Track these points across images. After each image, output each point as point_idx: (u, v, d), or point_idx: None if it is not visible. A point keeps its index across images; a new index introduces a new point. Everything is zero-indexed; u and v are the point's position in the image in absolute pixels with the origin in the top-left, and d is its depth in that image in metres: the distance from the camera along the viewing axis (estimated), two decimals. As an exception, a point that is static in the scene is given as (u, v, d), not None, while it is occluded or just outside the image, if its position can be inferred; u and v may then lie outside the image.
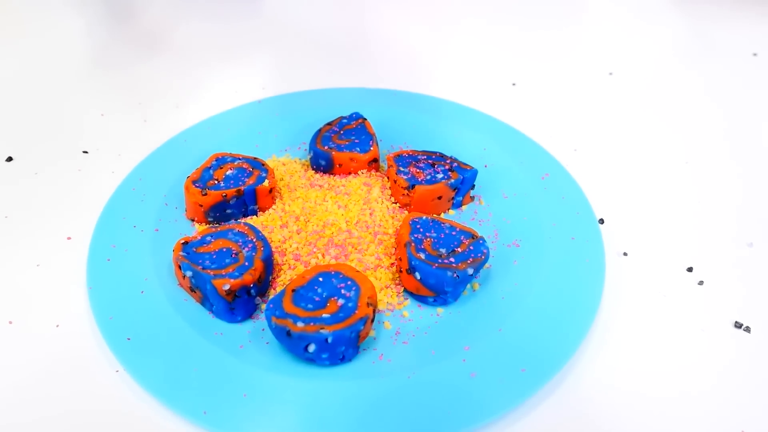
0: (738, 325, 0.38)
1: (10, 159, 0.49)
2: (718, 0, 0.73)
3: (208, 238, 0.38)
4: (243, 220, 0.42)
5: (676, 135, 0.54)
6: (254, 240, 0.38)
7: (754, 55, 0.65)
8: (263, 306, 0.37)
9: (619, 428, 0.33)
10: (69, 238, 0.42)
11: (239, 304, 0.36)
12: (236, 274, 0.35)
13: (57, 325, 0.37)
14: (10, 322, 0.37)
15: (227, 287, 0.34)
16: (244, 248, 0.37)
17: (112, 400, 0.33)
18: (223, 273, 0.35)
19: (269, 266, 0.38)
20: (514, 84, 0.60)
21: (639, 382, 0.35)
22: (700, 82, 0.62)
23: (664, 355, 0.37)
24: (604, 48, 0.66)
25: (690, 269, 0.42)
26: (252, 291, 0.36)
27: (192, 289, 0.37)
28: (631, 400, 0.34)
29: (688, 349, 0.37)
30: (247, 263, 0.36)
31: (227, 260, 0.37)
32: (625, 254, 0.43)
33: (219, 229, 0.39)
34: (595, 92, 0.60)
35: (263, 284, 0.37)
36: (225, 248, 0.38)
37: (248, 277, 0.35)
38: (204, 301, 0.36)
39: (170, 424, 0.32)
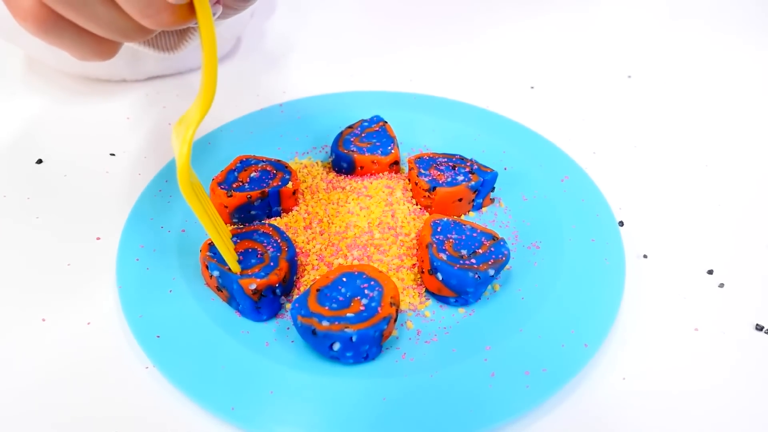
0: (759, 328, 0.38)
1: (40, 161, 0.50)
2: (737, 3, 0.73)
3: (234, 239, 0.39)
4: (267, 222, 0.43)
5: (696, 137, 0.54)
6: (279, 241, 0.39)
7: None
8: (288, 305, 0.38)
9: (639, 429, 0.33)
10: (98, 239, 0.43)
11: (265, 304, 0.36)
12: (262, 274, 0.36)
13: (88, 323, 0.38)
14: (43, 320, 0.38)
15: (253, 287, 0.35)
16: (269, 249, 0.38)
17: (142, 395, 0.34)
18: (249, 273, 0.36)
19: (293, 266, 0.39)
20: (532, 87, 0.60)
21: (659, 384, 0.35)
22: (720, 84, 0.61)
23: (685, 357, 0.37)
24: (622, 51, 0.66)
25: (710, 272, 0.42)
26: (277, 290, 0.37)
27: (219, 289, 0.38)
28: (650, 402, 0.34)
29: (708, 352, 0.37)
30: (272, 263, 0.37)
31: (253, 261, 0.37)
32: (645, 256, 0.43)
33: (244, 230, 0.40)
34: (614, 95, 0.60)
35: (288, 284, 0.38)
36: (250, 249, 0.38)
37: (274, 277, 0.36)
38: (230, 300, 0.37)
39: (199, 420, 0.33)
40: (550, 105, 0.58)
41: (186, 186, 0.31)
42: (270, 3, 0.74)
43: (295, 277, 0.39)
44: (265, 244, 0.39)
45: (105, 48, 0.31)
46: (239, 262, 0.37)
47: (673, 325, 0.39)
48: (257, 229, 0.40)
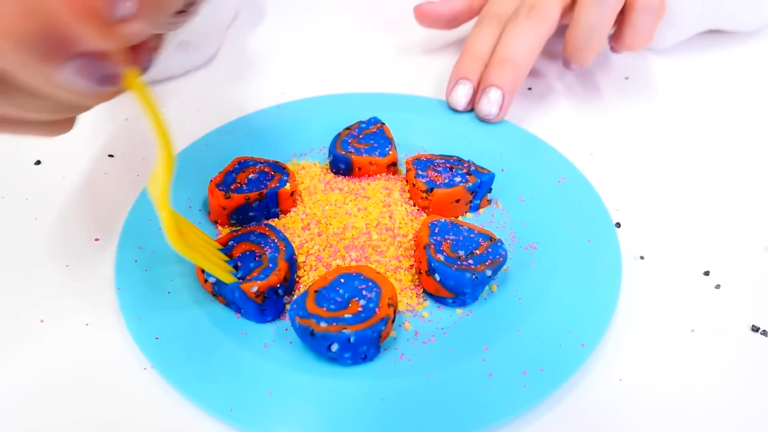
0: (755, 329, 0.39)
1: (38, 162, 0.50)
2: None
3: (231, 243, 0.39)
4: (264, 222, 0.43)
5: (693, 139, 0.55)
6: (276, 241, 0.39)
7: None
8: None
9: (635, 429, 0.33)
10: (96, 240, 0.43)
11: (269, 305, 0.36)
12: (262, 276, 0.36)
13: (86, 324, 0.38)
14: (42, 321, 0.38)
15: (255, 289, 0.35)
16: (266, 250, 0.38)
17: (141, 397, 0.34)
18: (249, 278, 0.36)
19: (293, 265, 0.39)
20: (530, 88, 0.60)
21: (655, 384, 0.35)
22: (717, 85, 0.62)
23: (681, 358, 0.37)
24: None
25: (707, 273, 0.42)
26: (279, 291, 0.37)
27: (215, 294, 0.38)
28: (646, 402, 0.35)
29: (704, 353, 0.37)
30: (271, 265, 0.37)
31: (251, 264, 0.37)
32: (641, 258, 0.43)
33: (240, 232, 0.40)
34: (611, 97, 0.60)
35: (289, 283, 0.38)
36: (248, 252, 0.38)
37: (274, 278, 0.36)
38: (229, 303, 0.37)
39: (198, 421, 0.33)
40: (548, 106, 0.58)
41: (179, 244, 0.32)
42: (265, 5, 0.74)
43: (295, 276, 0.39)
44: (263, 245, 0.39)
45: (60, 126, 0.31)
46: (238, 267, 0.37)
47: (669, 326, 0.39)
48: (254, 230, 0.40)
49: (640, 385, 0.35)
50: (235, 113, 0.54)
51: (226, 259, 0.38)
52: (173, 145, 0.30)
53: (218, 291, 0.37)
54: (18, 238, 0.44)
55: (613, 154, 0.53)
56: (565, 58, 0.55)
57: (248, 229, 0.40)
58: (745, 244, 0.44)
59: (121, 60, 0.25)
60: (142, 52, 0.30)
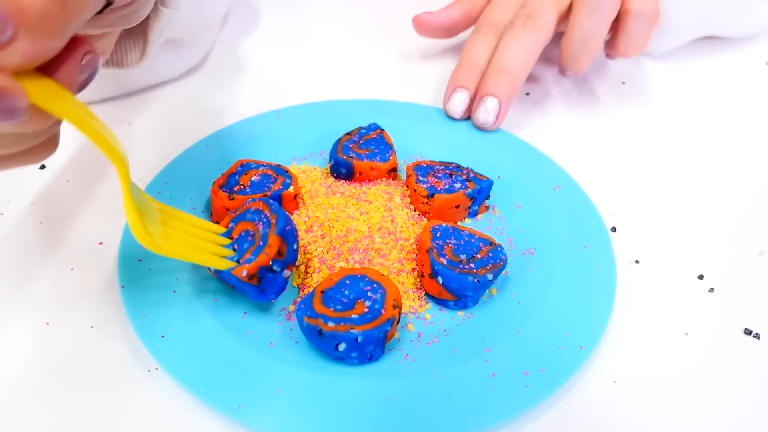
0: (748, 332, 0.40)
1: (43, 167, 0.50)
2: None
3: (231, 225, 0.39)
4: (258, 196, 0.42)
5: (688, 144, 0.56)
6: (269, 215, 0.38)
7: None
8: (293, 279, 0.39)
9: (630, 430, 0.34)
10: (101, 243, 0.44)
11: (266, 284, 0.36)
12: (252, 258, 0.35)
13: (91, 327, 0.38)
14: (47, 324, 0.38)
15: (245, 273, 0.35)
16: (259, 227, 0.38)
17: (147, 397, 0.35)
18: (242, 260, 0.36)
19: (289, 236, 0.37)
20: (527, 93, 0.61)
21: (649, 387, 0.36)
22: (713, 90, 0.63)
23: (675, 360, 0.38)
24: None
25: (701, 277, 0.43)
26: (274, 267, 0.36)
27: (222, 281, 0.38)
28: (641, 403, 0.35)
29: (698, 355, 0.38)
30: (261, 243, 0.36)
31: (245, 245, 0.37)
32: (636, 262, 0.44)
33: (239, 212, 0.40)
34: (608, 102, 0.61)
35: (288, 255, 0.37)
36: (243, 232, 0.38)
37: (263, 257, 0.35)
38: (233, 288, 0.37)
39: (204, 421, 0.34)
40: (545, 111, 0.59)
41: (149, 243, 0.32)
42: (267, 10, 0.74)
43: (296, 246, 0.38)
44: (256, 222, 0.38)
45: (39, 151, 0.30)
46: (236, 250, 0.37)
47: (663, 329, 0.40)
48: (250, 207, 0.39)
49: (635, 387, 0.36)
50: (235, 117, 0.55)
51: (226, 242, 0.38)
52: (122, 153, 0.30)
53: (221, 278, 0.37)
54: (23, 241, 0.44)
55: (609, 158, 0.54)
56: (560, 66, 0.56)
57: (245, 207, 0.40)
58: (738, 248, 0.45)
59: (11, 89, 0.23)
60: (66, 67, 0.26)
